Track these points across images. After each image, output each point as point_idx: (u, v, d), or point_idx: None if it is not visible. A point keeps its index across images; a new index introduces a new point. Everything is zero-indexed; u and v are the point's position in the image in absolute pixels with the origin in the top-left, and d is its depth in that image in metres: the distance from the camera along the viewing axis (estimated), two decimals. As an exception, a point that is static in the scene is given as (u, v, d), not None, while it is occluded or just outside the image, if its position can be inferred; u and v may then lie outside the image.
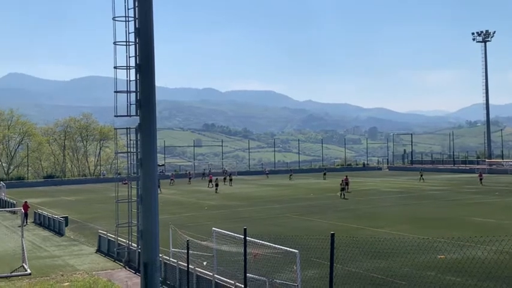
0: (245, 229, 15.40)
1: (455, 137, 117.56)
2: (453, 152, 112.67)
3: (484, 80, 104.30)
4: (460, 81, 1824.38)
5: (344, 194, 50.05)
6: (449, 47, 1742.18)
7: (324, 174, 79.95)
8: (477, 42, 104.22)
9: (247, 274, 15.70)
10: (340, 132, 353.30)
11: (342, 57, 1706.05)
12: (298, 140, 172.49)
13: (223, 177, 72.91)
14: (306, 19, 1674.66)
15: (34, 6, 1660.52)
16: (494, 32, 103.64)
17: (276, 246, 15.86)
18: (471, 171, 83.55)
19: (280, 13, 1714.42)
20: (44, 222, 37.38)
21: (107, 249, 26.74)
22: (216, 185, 61.12)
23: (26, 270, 22.82)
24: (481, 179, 62.43)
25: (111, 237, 26.12)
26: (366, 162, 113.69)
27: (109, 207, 38.37)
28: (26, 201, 40.66)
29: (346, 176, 58.37)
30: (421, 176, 69.74)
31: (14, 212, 41.65)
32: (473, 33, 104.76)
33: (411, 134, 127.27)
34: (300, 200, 48.66)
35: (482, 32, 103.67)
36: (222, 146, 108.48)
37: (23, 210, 29.82)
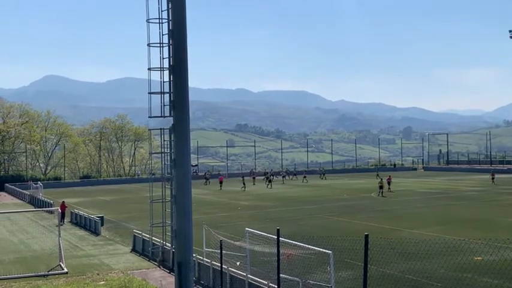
0: (278, 229, 15.39)
1: (492, 137, 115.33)
2: (490, 152, 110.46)
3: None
4: (496, 80, 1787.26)
5: (382, 193, 50.43)
6: (486, 45, 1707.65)
7: (377, 175, 72.49)
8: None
9: (281, 275, 15.68)
10: (374, 132, 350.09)
11: (375, 56, 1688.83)
12: (331, 140, 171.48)
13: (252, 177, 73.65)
14: (339, 18, 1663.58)
15: (68, 8, 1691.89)
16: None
17: (309, 246, 15.80)
18: (509, 171, 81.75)
19: (313, 12, 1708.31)
20: (80, 222, 38.01)
21: (142, 249, 27.03)
22: (269, 181, 65.83)
23: (63, 269, 23.25)
24: (493, 178, 62.38)
25: (146, 236, 26.38)
26: (396, 162, 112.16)
27: (143, 207, 38.81)
28: (63, 201, 41.39)
29: (390, 176, 59.30)
30: (493, 178, 63.45)
31: (51, 212, 42.44)
32: (510, 31, 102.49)
33: (447, 134, 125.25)
34: (334, 200, 48.39)
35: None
36: (254, 146, 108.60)
37: (59, 209, 30.36)
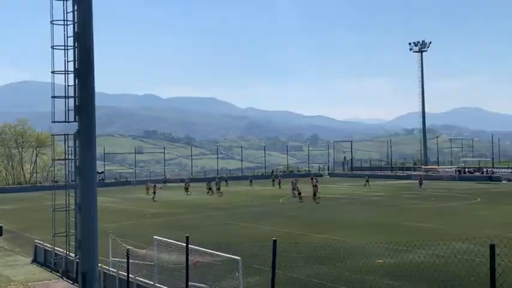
0: (187, 236, 15.30)
1: (392, 144, 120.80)
2: (391, 159, 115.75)
3: (421, 89, 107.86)
4: (395, 90, 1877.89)
5: (301, 197, 51.65)
6: (386, 56, 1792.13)
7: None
8: (414, 52, 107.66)
9: (189, 282, 15.57)
10: (282, 139, 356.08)
11: (283, 65, 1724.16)
12: (241, 146, 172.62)
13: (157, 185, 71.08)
14: (249, 26, 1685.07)
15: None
16: (430, 42, 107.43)
17: (219, 253, 15.79)
18: (409, 177, 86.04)
19: (222, 18, 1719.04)
20: (-24, 233, 35.83)
21: (44, 260, 25.90)
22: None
23: (-44, 283, 21.82)
24: (420, 184, 65.32)
25: (48, 247, 25.31)
26: (303, 169, 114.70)
27: (46, 216, 37.10)
28: None
29: (314, 179, 59.88)
30: (367, 181, 72.12)
31: None
32: (410, 43, 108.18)
33: (351, 141, 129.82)
34: (243, 206, 48.71)
35: (418, 42, 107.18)
36: (164, 152, 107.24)
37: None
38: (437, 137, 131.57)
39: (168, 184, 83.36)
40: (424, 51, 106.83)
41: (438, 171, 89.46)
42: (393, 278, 19.15)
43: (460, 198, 52.72)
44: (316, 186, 53.05)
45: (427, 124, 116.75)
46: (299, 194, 52.52)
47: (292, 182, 58.14)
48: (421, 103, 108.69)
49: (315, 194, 51.60)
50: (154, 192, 59.75)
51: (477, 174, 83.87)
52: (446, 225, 34.04)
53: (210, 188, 63.57)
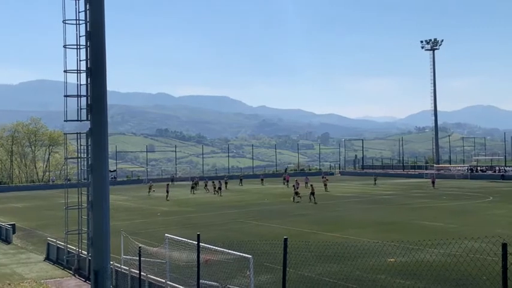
0: (198, 235, 15.35)
1: (404, 143, 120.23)
2: (403, 158, 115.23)
3: (433, 87, 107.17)
4: (408, 88, 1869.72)
5: (297, 198, 50.51)
6: (399, 55, 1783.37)
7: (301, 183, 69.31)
8: (425, 50, 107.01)
9: (200, 280, 15.62)
10: (293, 138, 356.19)
11: (294, 64, 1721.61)
12: (252, 145, 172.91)
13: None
14: (262, 26, 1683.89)
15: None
16: (442, 40, 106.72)
17: (230, 251, 15.83)
18: (420, 176, 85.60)
19: (236, 18, 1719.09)
20: (-11, 230, 36.20)
21: (56, 257, 26.11)
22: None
23: (-30, 280, 22.06)
24: (433, 182, 65.35)
25: (61, 244, 25.50)
26: (314, 167, 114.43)
27: (58, 214, 37.49)
28: None
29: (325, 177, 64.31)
30: (375, 180, 72.62)
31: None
32: (421, 42, 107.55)
33: (362, 140, 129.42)
34: (254, 205, 48.75)
35: (430, 40, 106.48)
36: (175, 151, 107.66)
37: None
38: (449, 136, 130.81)
39: (175, 183, 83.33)
40: (436, 49, 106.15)
41: (450, 170, 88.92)
42: (405, 276, 19.10)
43: (472, 197, 52.40)
44: (325, 183, 53.56)
45: (439, 122, 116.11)
46: (296, 193, 51.34)
47: (294, 184, 56.32)
48: (433, 101, 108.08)
49: (312, 194, 50.43)
50: (167, 192, 58.82)
51: (489, 172, 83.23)
52: (458, 224, 33.86)
53: (219, 188, 62.00)
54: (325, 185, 62.66)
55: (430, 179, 69.21)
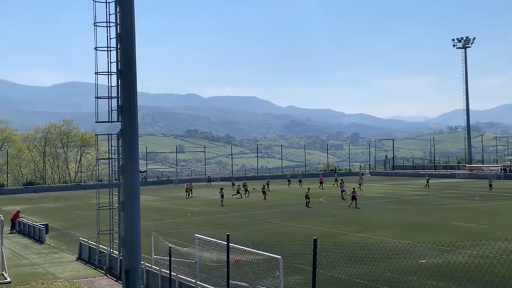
0: (228, 235, 15.38)
1: (436, 142, 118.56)
2: (434, 157, 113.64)
3: (465, 86, 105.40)
4: (440, 87, 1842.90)
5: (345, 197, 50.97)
6: (429, 53, 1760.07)
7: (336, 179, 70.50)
8: (457, 48, 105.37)
9: (230, 280, 15.65)
10: (322, 138, 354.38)
11: (324, 63, 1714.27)
12: (281, 145, 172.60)
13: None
14: (290, 26, 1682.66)
15: (16, 12, 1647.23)
16: (474, 38, 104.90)
17: (259, 252, 15.82)
18: (452, 176, 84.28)
19: (264, 19, 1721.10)
20: (24, 230, 36.90)
21: (88, 257, 26.45)
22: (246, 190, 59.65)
23: (6, 279, 22.48)
24: (490, 185, 60.17)
25: (92, 244, 25.84)
26: (336, 167, 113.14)
27: (90, 214, 38.01)
28: (18, 211, 40.19)
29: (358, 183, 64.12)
30: (428, 181, 67.02)
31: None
32: (453, 40, 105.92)
33: (392, 140, 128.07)
34: (283, 205, 48.66)
35: (462, 38, 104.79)
36: (204, 152, 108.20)
37: (2, 217, 29.35)
38: (482, 135, 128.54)
39: (211, 183, 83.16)
40: (468, 47, 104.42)
41: (483, 170, 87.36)
42: (437, 278, 18.83)
43: (505, 197, 51.40)
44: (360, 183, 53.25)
45: (471, 122, 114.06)
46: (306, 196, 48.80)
47: (340, 183, 57.08)
48: (465, 100, 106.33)
49: (343, 198, 50.62)
50: (222, 195, 52.78)
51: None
52: (491, 224, 33.27)
53: (243, 190, 59.78)
54: (360, 184, 63.77)
55: (487, 181, 63.85)
